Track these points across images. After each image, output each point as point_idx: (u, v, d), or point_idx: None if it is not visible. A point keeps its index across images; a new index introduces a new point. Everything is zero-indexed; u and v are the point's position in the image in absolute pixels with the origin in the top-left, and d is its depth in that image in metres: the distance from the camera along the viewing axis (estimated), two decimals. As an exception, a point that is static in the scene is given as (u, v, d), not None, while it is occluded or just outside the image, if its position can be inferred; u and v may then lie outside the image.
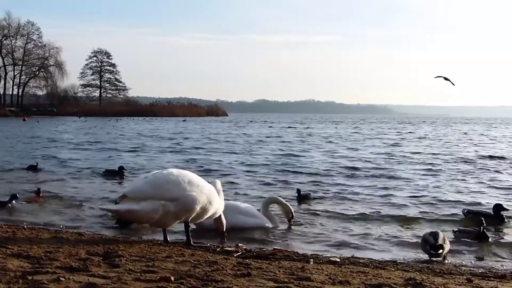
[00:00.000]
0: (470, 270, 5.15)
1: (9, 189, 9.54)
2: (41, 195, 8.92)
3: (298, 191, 9.30)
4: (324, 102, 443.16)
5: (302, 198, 9.11)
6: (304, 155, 18.49)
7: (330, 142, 27.34)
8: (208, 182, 5.74)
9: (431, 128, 52.41)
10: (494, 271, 5.16)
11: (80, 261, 4.28)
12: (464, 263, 5.57)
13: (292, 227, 7.10)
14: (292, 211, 7.22)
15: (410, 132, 41.17)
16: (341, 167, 14.58)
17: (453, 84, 8.00)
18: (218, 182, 5.97)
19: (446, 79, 7.86)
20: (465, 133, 40.76)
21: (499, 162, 16.64)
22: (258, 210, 7.16)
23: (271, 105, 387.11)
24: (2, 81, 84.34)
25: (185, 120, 69.83)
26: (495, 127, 56.87)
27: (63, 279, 3.62)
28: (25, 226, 6.37)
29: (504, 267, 5.46)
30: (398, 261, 5.47)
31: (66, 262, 4.20)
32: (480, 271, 5.08)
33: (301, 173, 13.32)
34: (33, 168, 12.79)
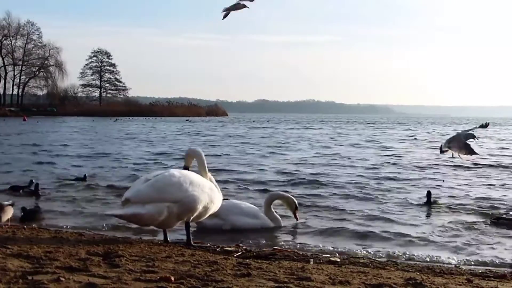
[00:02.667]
0: (470, 270, 5.14)
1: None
2: None
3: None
4: (324, 102, 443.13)
5: None
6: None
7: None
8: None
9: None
10: (494, 271, 5.15)
11: (80, 261, 4.28)
12: (464, 263, 5.57)
13: (291, 228, 7.09)
14: (296, 202, 7.21)
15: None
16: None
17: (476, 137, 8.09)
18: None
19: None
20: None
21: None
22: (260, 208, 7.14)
23: (271, 105, 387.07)
24: (2, 81, 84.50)
25: (188, 120, 69.38)
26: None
27: (63, 279, 3.62)
28: (25, 226, 6.37)
29: (504, 267, 5.45)
30: (398, 261, 5.47)
31: (66, 262, 4.20)
32: (480, 271, 5.08)
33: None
34: (82, 180, 11.12)
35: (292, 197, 7.27)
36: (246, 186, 10.77)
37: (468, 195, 9.95)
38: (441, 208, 8.60)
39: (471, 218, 7.81)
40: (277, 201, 7.33)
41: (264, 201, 7.28)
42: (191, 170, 5.89)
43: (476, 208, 8.57)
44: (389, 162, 16.27)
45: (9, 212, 6.35)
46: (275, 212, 7.17)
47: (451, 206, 8.70)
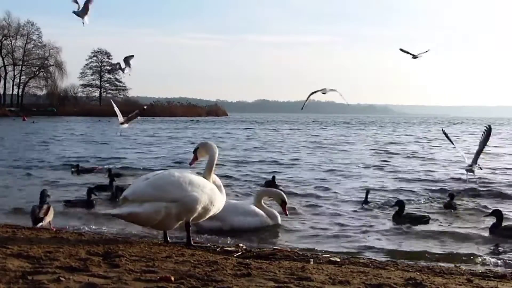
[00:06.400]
0: (470, 270, 5.15)
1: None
2: None
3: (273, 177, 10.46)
4: (324, 102, 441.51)
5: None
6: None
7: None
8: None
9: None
10: (494, 271, 5.16)
11: (80, 261, 4.27)
12: (464, 263, 5.57)
13: (292, 228, 7.08)
14: (285, 197, 7.06)
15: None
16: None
17: (414, 56, 8.61)
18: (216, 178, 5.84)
19: (407, 52, 8.51)
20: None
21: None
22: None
23: (271, 105, 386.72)
24: (2, 81, 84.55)
25: (198, 121, 67.89)
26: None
27: (63, 279, 3.62)
28: (25, 226, 6.36)
29: (504, 267, 5.46)
30: (398, 261, 5.47)
31: (66, 262, 4.20)
32: (480, 271, 5.08)
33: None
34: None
35: (280, 192, 7.18)
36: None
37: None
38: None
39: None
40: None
41: (253, 199, 7.21)
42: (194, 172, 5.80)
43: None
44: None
45: (51, 214, 6.28)
46: (270, 207, 7.12)
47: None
